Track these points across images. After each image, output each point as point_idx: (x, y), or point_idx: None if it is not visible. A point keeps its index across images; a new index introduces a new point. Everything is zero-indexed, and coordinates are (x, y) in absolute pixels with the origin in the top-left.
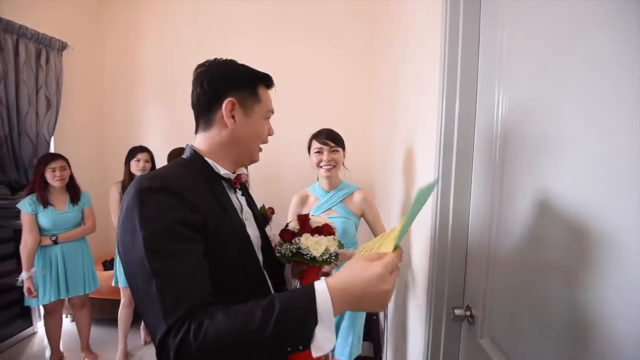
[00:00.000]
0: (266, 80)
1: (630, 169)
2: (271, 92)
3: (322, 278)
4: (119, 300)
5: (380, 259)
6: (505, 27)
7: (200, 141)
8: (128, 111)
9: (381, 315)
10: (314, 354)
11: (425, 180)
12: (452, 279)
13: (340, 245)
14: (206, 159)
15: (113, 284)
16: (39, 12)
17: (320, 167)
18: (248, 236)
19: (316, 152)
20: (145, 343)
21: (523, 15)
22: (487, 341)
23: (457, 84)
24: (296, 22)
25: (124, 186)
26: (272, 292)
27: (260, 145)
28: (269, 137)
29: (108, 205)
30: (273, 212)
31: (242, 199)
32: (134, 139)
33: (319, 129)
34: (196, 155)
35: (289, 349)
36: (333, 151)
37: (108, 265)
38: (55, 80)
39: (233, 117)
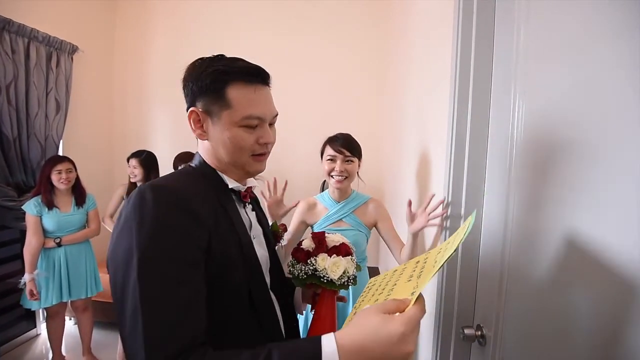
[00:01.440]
0: (243, 75)
1: None
2: (271, 92)
3: (332, 334)
4: None
5: (401, 310)
6: (522, 26)
7: (200, 149)
8: (137, 115)
9: None
10: None
11: (437, 191)
12: (462, 296)
13: (358, 268)
14: (215, 169)
15: None
16: (51, 15)
17: (331, 176)
18: (256, 256)
19: (328, 160)
20: None
21: (541, 12)
22: None
23: (469, 89)
24: (307, 23)
25: (128, 191)
26: (280, 317)
27: (263, 153)
28: (269, 144)
29: None
30: (285, 230)
31: (252, 215)
32: (143, 143)
33: (335, 133)
34: (205, 164)
35: None
36: (347, 161)
37: None
38: (65, 83)
39: (202, 127)
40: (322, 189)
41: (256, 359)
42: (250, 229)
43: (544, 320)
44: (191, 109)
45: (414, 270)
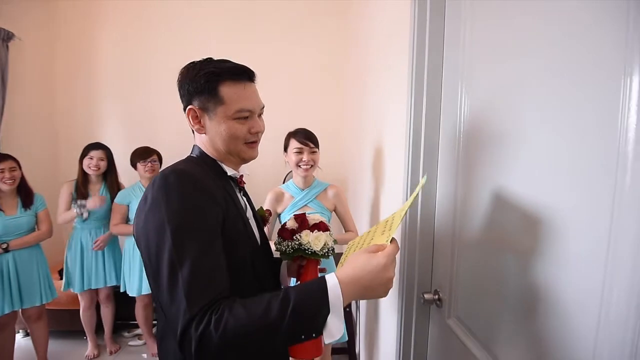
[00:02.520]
0: (232, 74)
1: (574, 164)
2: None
3: (332, 273)
4: (78, 310)
5: (381, 250)
6: (467, 28)
7: (198, 142)
8: (83, 107)
9: (353, 305)
10: (326, 341)
11: (395, 178)
12: (421, 266)
13: (335, 241)
14: (213, 158)
15: (63, 290)
16: None
17: (299, 166)
18: (254, 234)
19: (296, 152)
20: (111, 353)
21: (483, 17)
22: (453, 321)
23: (424, 86)
24: (263, 19)
25: (77, 185)
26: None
27: (255, 141)
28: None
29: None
30: (270, 214)
31: (244, 199)
32: (90, 137)
33: (295, 129)
34: (204, 155)
35: (303, 337)
36: (312, 152)
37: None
38: (1, 73)
39: (200, 122)
40: (284, 181)
41: (276, 297)
42: (246, 211)
43: (487, 281)
44: (189, 107)
45: (385, 227)
